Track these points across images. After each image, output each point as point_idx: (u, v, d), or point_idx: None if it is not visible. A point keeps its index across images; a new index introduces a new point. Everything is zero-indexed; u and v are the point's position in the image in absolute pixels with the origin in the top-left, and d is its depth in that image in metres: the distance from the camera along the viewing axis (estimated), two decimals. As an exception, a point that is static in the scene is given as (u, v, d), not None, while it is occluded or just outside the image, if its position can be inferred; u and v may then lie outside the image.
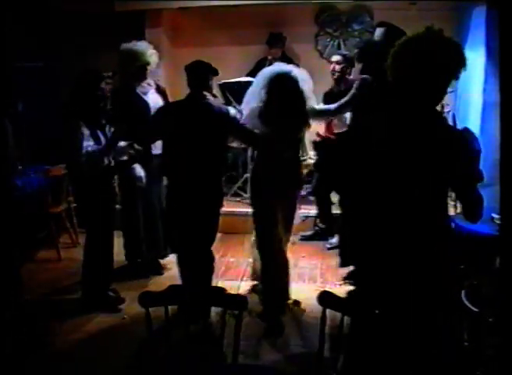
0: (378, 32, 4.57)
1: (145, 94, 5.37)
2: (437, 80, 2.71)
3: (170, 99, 5.56)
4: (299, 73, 4.56)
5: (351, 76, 6.04)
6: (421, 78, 2.68)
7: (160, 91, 5.53)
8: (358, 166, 2.89)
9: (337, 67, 6.11)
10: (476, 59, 6.58)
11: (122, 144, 4.77)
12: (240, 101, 5.01)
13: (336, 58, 6.21)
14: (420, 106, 2.75)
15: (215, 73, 4.56)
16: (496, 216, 4.47)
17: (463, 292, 3.00)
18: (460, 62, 2.70)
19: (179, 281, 4.60)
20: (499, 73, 2.54)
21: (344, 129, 5.72)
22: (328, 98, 5.96)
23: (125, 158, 4.91)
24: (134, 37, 5.51)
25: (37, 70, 7.48)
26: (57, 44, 7.58)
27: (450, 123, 6.76)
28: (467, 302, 2.89)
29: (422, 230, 2.77)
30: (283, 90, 4.43)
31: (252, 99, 4.54)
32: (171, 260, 5.53)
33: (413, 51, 2.68)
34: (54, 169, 6.06)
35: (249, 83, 4.78)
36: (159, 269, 5.74)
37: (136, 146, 4.86)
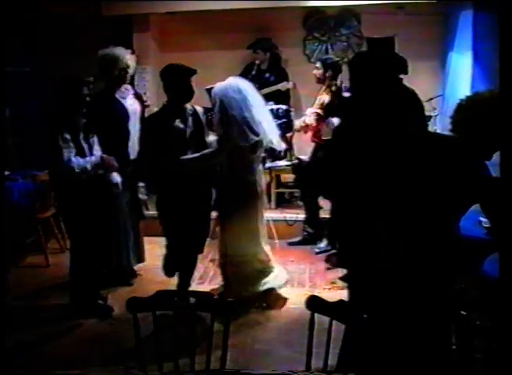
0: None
1: (124, 98, 5.36)
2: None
3: (152, 104, 5.60)
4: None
5: (339, 81, 6.07)
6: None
7: (137, 96, 5.54)
8: (353, 171, 2.94)
9: (318, 73, 6.15)
10: (463, 63, 6.60)
11: (94, 158, 4.75)
12: None
13: (317, 64, 6.26)
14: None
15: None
16: (483, 219, 4.44)
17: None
18: None
19: (167, 286, 4.57)
20: (500, 73, 2.55)
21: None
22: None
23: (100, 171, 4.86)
24: (122, 42, 5.52)
25: (24, 75, 7.44)
26: (45, 49, 7.53)
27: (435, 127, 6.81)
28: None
29: (423, 238, 2.82)
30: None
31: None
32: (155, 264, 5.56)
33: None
34: (42, 174, 5.99)
35: None
36: (132, 277, 5.67)
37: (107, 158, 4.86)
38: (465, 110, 2.85)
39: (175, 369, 2.77)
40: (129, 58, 5.28)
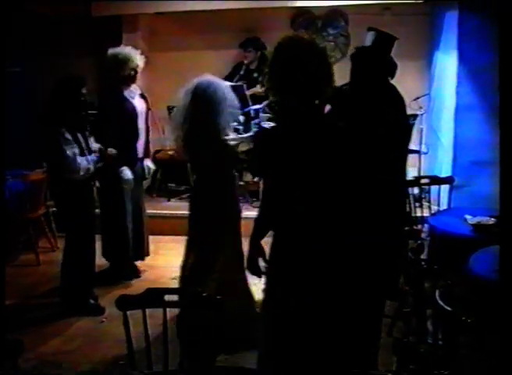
0: (369, 37, 4.59)
1: (132, 98, 5.42)
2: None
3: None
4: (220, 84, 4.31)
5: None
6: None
7: (143, 96, 5.59)
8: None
9: None
10: (448, 62, 6.65)
11: (95, 157, 4.85)
12: None
13: None
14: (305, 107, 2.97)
15: None
16: (468, 216, 4.51)
17: (437, 292, 2.97)
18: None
19: (157, 284, 4.61)
20: (500, 74, 2.51)
21: None
22: None
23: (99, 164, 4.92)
24: (112, 42, 5.57)
25: (12, 75, 7.42)
26: (33, 49, 7.49)
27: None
28: (441, 302, 2.85)
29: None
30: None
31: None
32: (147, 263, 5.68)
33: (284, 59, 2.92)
34: (32, 174, 6.02)
35: (233, 88, 4.72)
36: (137, 273, 5.74)
37: (110, 150, 4.99)
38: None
39: (164, 368, 2.79)
40: (139, 59, 5.33)
